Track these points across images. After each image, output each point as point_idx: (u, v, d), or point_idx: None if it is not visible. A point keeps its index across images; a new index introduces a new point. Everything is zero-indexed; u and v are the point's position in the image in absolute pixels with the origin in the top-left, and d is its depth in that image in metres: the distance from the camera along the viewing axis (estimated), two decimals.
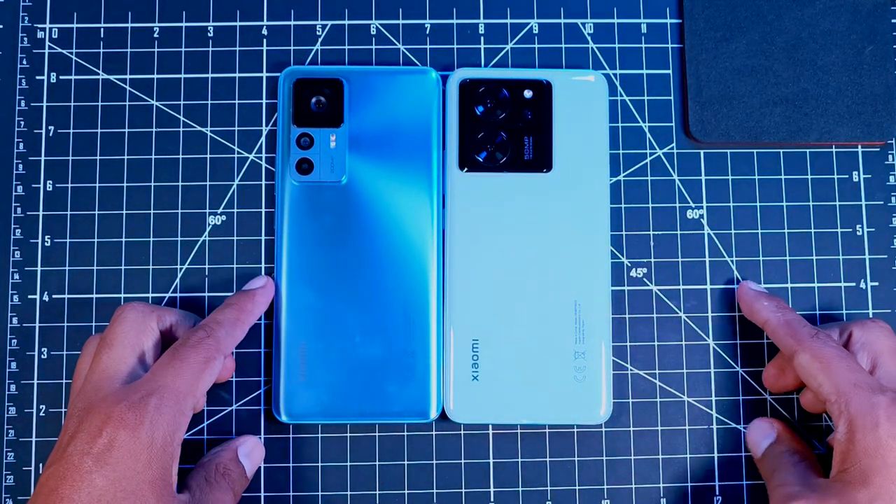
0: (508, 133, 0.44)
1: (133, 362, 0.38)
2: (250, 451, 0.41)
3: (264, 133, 0.45)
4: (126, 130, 0.45)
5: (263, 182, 0.45)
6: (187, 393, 0.37)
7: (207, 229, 0.45)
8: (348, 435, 0.43)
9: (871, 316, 0.45)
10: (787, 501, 0.37)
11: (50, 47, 0.46)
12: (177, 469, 0.36)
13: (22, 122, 0.45)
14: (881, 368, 0.39)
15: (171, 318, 0.40)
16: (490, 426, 0.43)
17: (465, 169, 0.44)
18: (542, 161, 0.44)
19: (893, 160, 0.46)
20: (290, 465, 0.43)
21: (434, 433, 0.43)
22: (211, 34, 0.46)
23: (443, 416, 0.42)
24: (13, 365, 0.44)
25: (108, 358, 0.38)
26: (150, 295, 0.44)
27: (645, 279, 0.45)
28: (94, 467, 0.34)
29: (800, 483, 0.38)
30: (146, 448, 0.35)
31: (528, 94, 0.44)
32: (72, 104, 0.45)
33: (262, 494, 0.43)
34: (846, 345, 0.41)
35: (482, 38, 0.46)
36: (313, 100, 0.44)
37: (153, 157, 0.45)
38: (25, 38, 0.46)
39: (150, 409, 0.35)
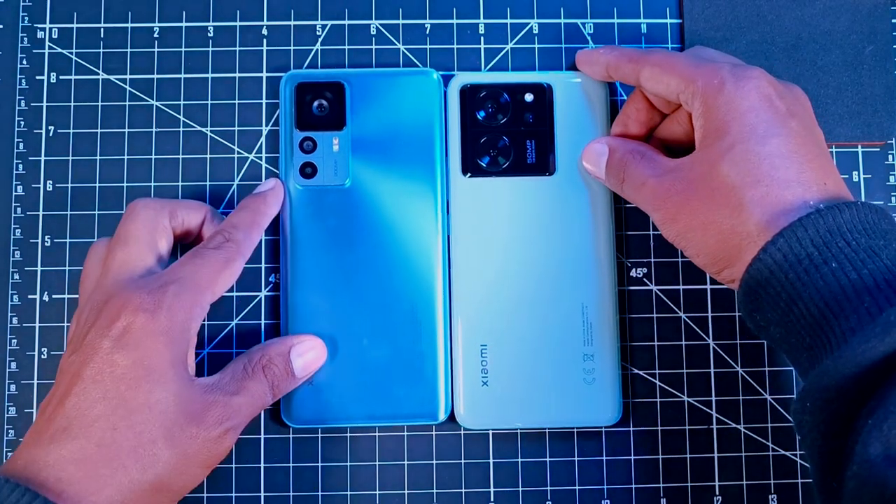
0: (510, 137, 0.44)
1: (149, 259, 0.39)
2: (305, 352, 0.41)
3: (264, 133, 0.45)
4: (126, 130, 0.45)
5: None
6: (206, 287, 0.38)
7: None
8: (348, 435, 0.43)
9: None
10: (660, 204, 0.37)
11: (50, 47, 0.46)
12: (193, 357, 0.37)
13: (22, 122, 0.45)
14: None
15: (182, 211, 0.41)
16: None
17: (468, 174, 0.44)
18: (544, 164, 0.44)
19: (893, 160, 0.46)
20: (290, 465, 0.43)
21: (434, 433, 0.43)
22: (211, 34, 0.46)
23: (452, 420, 0.42)
24: (13, 365, 0.44)
25: (124, 254, 0.38)
26: None
27: (645, 279, 0.45)
28: (115, 349, 0.35)
29: (653, 170, 0.38)
30: (165, 331, 0.36)
31: (528, 97, 0.44)
32: (72, 104, 0.45)
33: (263, 494, 0.43)
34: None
35: (482, 38, 0.46)
36: (315, 103, 0.44)
37: (153, 157, 0.45)
38: (25, 38, 0.46)
39: (169, 295, 0.36)
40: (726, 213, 0.35)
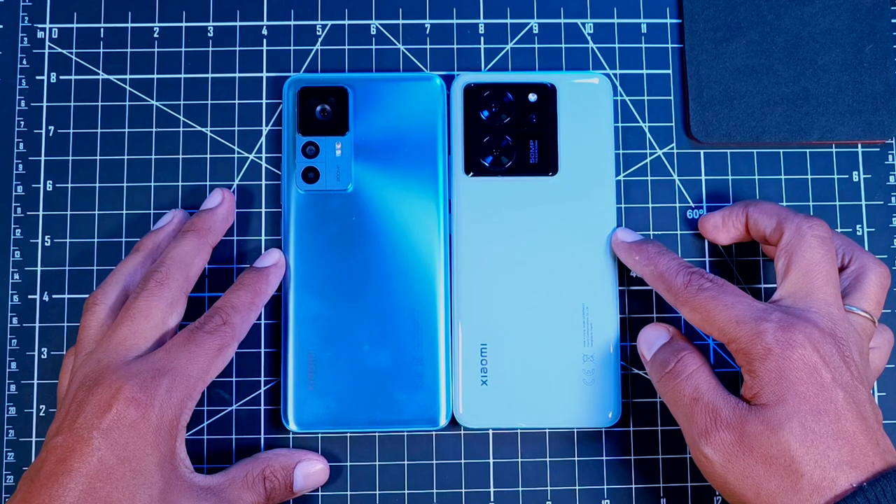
0: (514, 137, 0.44)
1: (152, 337, 0.38)
2: (309, 473, 0.41)
3: (264, 133, 0.45)
4: (126, 130, 0.45)
5: (263, 182, 0.45)
6: (198, 378, 0.37)
7: None
8: (348, 435, 0.43)
9: None
10: (711, 427, 0.36)
11: (50, 47, 0.46)
12: (183, 446, 0.37)
13: (22, 122, 0.45)
14: (787, 282, 0.38)
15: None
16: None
17: (471, 174, 0.44)
18: (547, 164, 0.44)
19: (893, 160, 0.46)
20: None
21: (434, 433, 0.43)
22: (211, 34, 0.46)
23: (452, 420, 0.42)
24: (13, 365, 0.44)
25: (129, 330, 0.38)
26: None
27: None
28: (103, 444, 0.35)
29: (715, 395, 0.37)
30: (154, 429, 0.35)
31: (532, 97, 0.44)
32: (72, 104, 0.45)
33: None
34: (776, 242, 0.40)
35: (482, 39, 0.46)
36: (318, 108, 0.44)
37: (153, 157, 0.45)
38: (25, 38, 0.46)
39: (161, 392, 0.36)
40: (781, 486, 0.35)
